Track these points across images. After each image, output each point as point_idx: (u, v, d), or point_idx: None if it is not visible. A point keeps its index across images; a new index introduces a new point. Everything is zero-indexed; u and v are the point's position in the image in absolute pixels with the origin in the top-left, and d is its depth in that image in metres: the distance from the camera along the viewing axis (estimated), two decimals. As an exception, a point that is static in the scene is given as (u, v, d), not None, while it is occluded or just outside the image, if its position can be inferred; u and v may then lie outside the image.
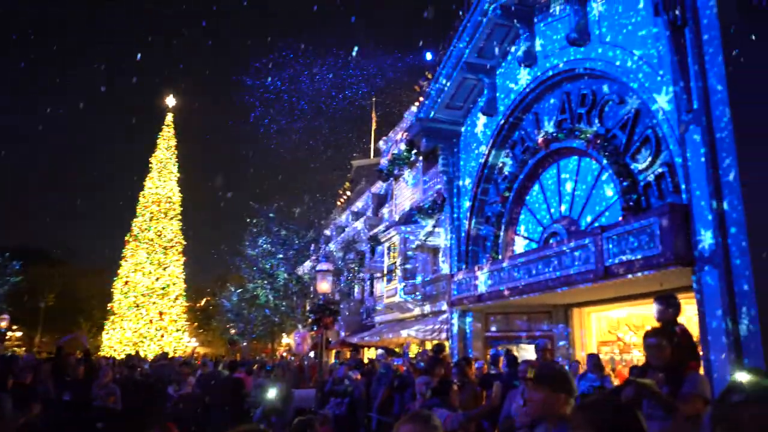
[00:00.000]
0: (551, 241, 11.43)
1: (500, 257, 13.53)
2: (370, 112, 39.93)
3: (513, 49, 13.85)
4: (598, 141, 10.69)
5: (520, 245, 13.64)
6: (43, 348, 45.77)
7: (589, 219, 11.29)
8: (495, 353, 11.36)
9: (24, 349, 41.36)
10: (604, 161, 10.51)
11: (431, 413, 2.62)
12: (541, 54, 12.77)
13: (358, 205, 29.28)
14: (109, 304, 38.96)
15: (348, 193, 34.87)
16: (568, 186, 12.15)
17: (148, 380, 12.84)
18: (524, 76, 13.29)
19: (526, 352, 13.50)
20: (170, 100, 43.69)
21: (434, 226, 18.37)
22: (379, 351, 13.92)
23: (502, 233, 13.98)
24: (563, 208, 12.21)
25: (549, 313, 13.06)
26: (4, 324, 32.44)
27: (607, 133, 10.69)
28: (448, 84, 15.14)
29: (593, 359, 9.38)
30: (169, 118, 43.13)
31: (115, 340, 36.66)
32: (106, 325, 38.39)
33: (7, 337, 36.02)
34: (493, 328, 14.11)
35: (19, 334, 45.28)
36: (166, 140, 42.36)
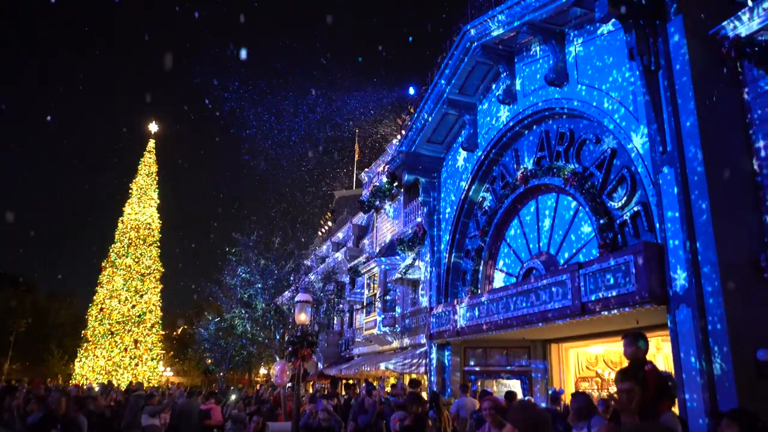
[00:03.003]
0: (530, 277, 11.53)
1: (479, 291, 13.60)
2: (353, 143, 40.28)
3: (494, 86, 14.17)
4: (576, 179, 10.90)
5: (499, 280, 13.73)
6: (12, 375, 44.44)
7: (566, 255, 11.43)
8: (474, 389, 11.33)
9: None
10: (582, 199, 10.70)
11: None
12: (520, 93, 13.08)
13: (339, 235, 29.30)
14: (82, 331, 38.06)
15: (329, 223, 34.89)
16: (547, 222, 12.32)
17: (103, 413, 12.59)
18: (504, 114, 13.57)
19: (505, 387, 13.48)
20: (153, 126, 43.63)
21: (414, 259, 18.41)
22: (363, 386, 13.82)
23: (481, 267, 14.07)
24: (541, 243, 12.36)
25: (528, 348, 13.11)
26: (-29, 350, 31.61)
27: (585, 171, 10.92)
28: (430, 119, 15.40)
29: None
30: (151, 143, 43.00)
31: (88, 369, 35.74)
32: (78, 352, 37.43)
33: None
34: (472, 362, 14.08)
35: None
36: (148, 166, 42.12)
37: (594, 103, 10.67)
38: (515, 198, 13.10)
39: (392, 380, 17.87)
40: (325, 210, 37.66)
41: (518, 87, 13.19)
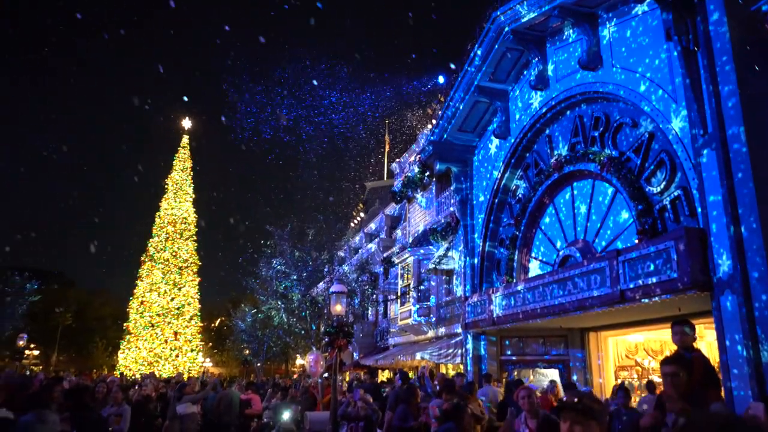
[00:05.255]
0: (566, 265, 11.37)
1: (515, 280, 13.48)
2: (383, 134, 40.24)
3: (525, 72, 13.95)
4: (612, 164, 10.68)
5: (534, 268, 13.59)
6: (60, 367, 46.08)
7: (604, 242, 11.24)
8: (510, 379, 11.27)
9: (41, 367, 41.66)
10: (619, 184, 10.49)
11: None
12: (553, 78, 12.85)
13: (372, 226, 29.35)
14: (124, 324, 39.15)
15: (362, 214, 34.99)
16: (582, 209, 12.12)
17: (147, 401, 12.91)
18: (537, 100, 13.36)
19: (542, 376, 13.38)
20: (186, 123, 44.33)
21: (448, 248, 18.35)
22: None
23: (516, 256, 13.95)
24: (578, 231, 12.18)
25: (565, 337, 12.96)
26: (22, 343, 32.80)
27: (621, 156, 10.69)
28: (461, 107, 15.26)
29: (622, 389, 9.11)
30: (185, 140, 43.71)
31: (131, 360, 36.78)
32: (121, 344, 38.54)
33: (24, 356, 36.33)
34: (509, 352, 14.00)
35: (36, 352, 45.63)
36: (182, 162, 42.87)
37: (630, 86, 10.41)
38: (550, 185, 12.92)
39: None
40: (357, 201, 37.79)
41: (550, 72, 12.96)
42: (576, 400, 2.62)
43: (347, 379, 20.85)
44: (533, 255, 13.82)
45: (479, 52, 13.98)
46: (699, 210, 8.42)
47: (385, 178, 37.82)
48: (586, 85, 11.69)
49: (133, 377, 27.33)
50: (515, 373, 13.72)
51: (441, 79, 25.28)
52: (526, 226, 13.70)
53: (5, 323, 32.58)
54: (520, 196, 14.13)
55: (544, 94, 13.12)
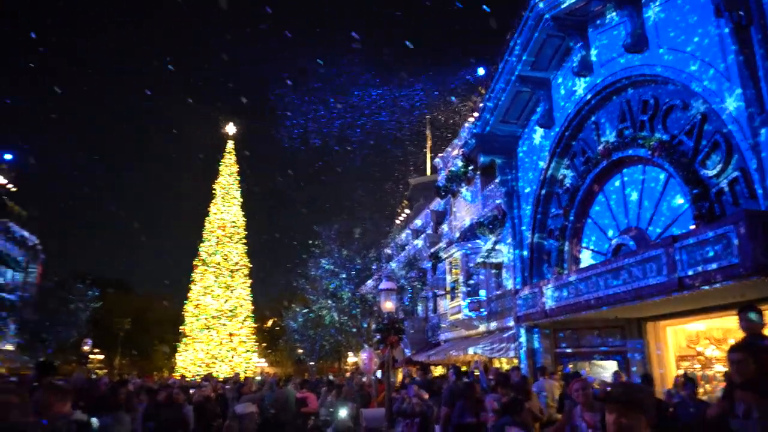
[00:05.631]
0: (620, 253, 11.12)
1: (566, 271, 13.27)
2: (424, 129, 40.12)
3: (567, 59, 13.68)
4: (664, 148, 10.38)
5: (586, 258, 13.34)
6: (123, 370, 47.89)
7: (658, 229, 10.94)
8: (567, 371, 11.11)
9: (105, 371, 43.38)
10: (671, 169, 10.18)
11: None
12: (596, 63, 12.57)
13: (417, 222, 29.32)
14: (180, 327, 40.31)
15: (407, 211, 35.01)
16: (634, 196, 11.82)
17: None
18: (581, 86, 13.09)
19: (600, 368, 13.13)
20: (230, 128, 45.18)
21: (496, 242, 18.18)
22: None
23: (566, 246, 13.73)
24: (630, 218, 11.89)
25: (621, 328, 12.66)
26: (87, 348, 34.24)
27: (673, 139, 10.37)
28: (503, 98, 15.09)
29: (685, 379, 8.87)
30: (230, 145, 44.58)
31: (189, 361, 37.87)
32: (179, 347, 39.73)
33: (89, 360, 37.91)
34: (563, 344, 13.79)
35: (100, 357, 47.54)
36: (228, 167, 43.74)
37: (678, 67, 10.09)
38: (598, 173, 12.64)
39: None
40: (401, 198, 37.83)
41: (594, 57, 12.67)
42: (618, 390, 2.53)
43: (400, 376, 20.95)
44: (584, 245, 13.56)
45: (519, 41, 13.79)
46: (759, 191, 8.10)
47: (428, 174, 37.70)
48: (632, 69, 11.39)
49: (192, 378, 28.16)
50: (570, 365, 13.50)
51: (481, 71, 25.02)
52: (576, 216, 13.46)
53: (71, 329, 34.08)
54: (567, 185, 13.88)
55: (588, 80, 12.84)
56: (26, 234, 39.18)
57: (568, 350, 13.72)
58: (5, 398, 3.26)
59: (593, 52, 12.68)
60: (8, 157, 38.95)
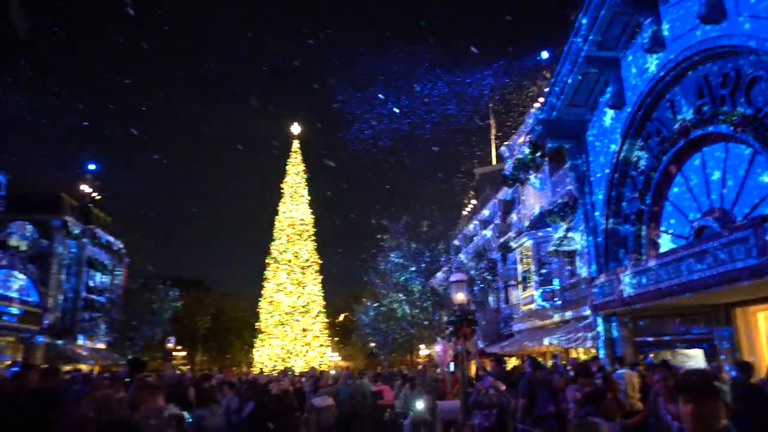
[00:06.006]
0: (702, 236, 10.59)
1: (644, 257, 12.76)
2: (488, 119, 39.52)
3: (637, 36, 13.10)
4: (747, 123, 9.78)
5: (665, 242, 12.78)
6: (204, 366, 50.02)
7: (745, 209, 10.33)
8: (649, 361, 10.71)
9: (188, 367, 45.44)
10: (757, 144, 9.59)
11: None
12: (669, 38, 11.97)
13: (485, 213, 28.95)
14: (256, 323, 41.63)
15: (473, 201, 34.64)
16: (716, 175, 11.22)
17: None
18: (653, 63, 12.52)
19: (684, 357, 12.58)
20: (295, 128, 46.07)
21: (568, 229, 17.70)
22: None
23: (643, 231, 13.21)
24: (712, 199, 11.29)
25: (706, 314, 12.05)
26: (170, 345, 36.02)
27: (758, 113, 9.75)
28: (569, 81, 14.64)
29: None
30: (296, 144, 45.48)
31: (265, 357, 39.07)
32: (255, 342, 41.05)
33: (173, 357, 39.83)
34: (644, 333, 13.28)
35: (183, 353, 49.84)
36: (295, 166, 44.67)
37: (762, 35, 9.46)
38: (675, 153, 12.08)
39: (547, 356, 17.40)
40: (467, 189, 37.46)
41: (666, 32, 12.07)
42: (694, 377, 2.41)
43: (473, 368, 20.83)
44: (662, 229, 12.99)
45: (584, 21, 13.33)
46: None
47: (494, 163, 37.14)
48: (709, 41, 10.78)
49: (270, 373, 29.05)
50: (652, 355, 13.00)
51: (545, 54, 24.34)
52: (653, 199, 12.91)
53: (155, 328, 35.92)
54: (642, 167, 13.32)
55: (660, 56, 12.26)
56: (111, 239, 41.49)
57: (649, 339, 13.21)
58: (108, 395, 3.47)
59: (665, 26, 12.08)
60: (92, 167, 41.35)
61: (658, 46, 12.12)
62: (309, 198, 43.95)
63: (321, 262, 42.72)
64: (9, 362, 22.85)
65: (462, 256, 23.56)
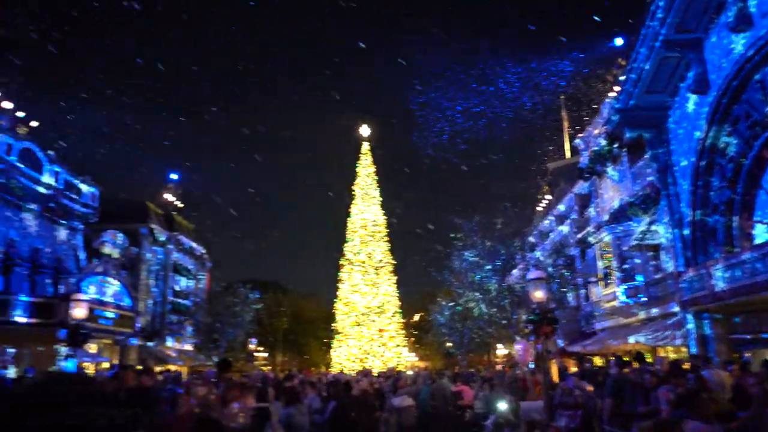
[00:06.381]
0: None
1: (737, 249, 12.03)
2: (559, 111, 38.47)
3: (721, 15, 12.36)
4: None
5: (760, 233, 12.00)
6: (284, 366, 51.41)
7: None
8: (746, 360, 10.07)
9: (269, 367, 46.85)
10: None
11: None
12: (757, 14, 11.24)
13: (560, 208, 28.14)
14: (332, 324, 42.35)
15: (548, 197, 33.78)
16: (817, 158, 10.42)
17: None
18: (739, 43, 11.79)
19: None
20: (364, 130, 46.52)
21: (650, 222, 16.93)
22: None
23: (735, 222, 12.47)
24: (813, 184, 10.50)
25: (811, 308, 11.23)
26: (252, 346, 37.27)
27: None
28: (646, 67, 14.02)
29: None
30: (365, 147, 45.90)
31: (343, 357, 39.68)
32: (333, 343, 41.76)
33: (255, 357, 41.18)
34: (740, 330, 12.50)
35: (264, 354, 51.42)
36: (365, 167, 45.11)
37: None
38: (769, 137, 11.31)
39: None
40: (540, 184, 36.57)
41: (753, 8, 11.34)
42: None
43: (554, 367, 20.32)
44: (756, 218, 12.20)
45: (661, 4, 12.75)
46: None
47: (568, 156, 36.08)
48: (805, 15, 10.03)
49: (348, 373, 29.48)
50: (749, 353, 12.21)
51: (619, 41, 23.37)
52: (744, 187, 12.17)
53: (238, 330, 37.22)
54: (731, 154, 12.56)
55: (747, 34, 11.52)
56: (194, 245, 43.37)
57: (746, 336, 12.42)
58: (207, 394, 3.63)
59: (751, 2, 11.35)
60: (174, 177, 43.46)
61: (744, 24, 11.41)
62: (381, 199, 44.30)
63: (395, 262, 42.96)
64: (108, 364, 24.39)
65: (538, 253, 23.01)
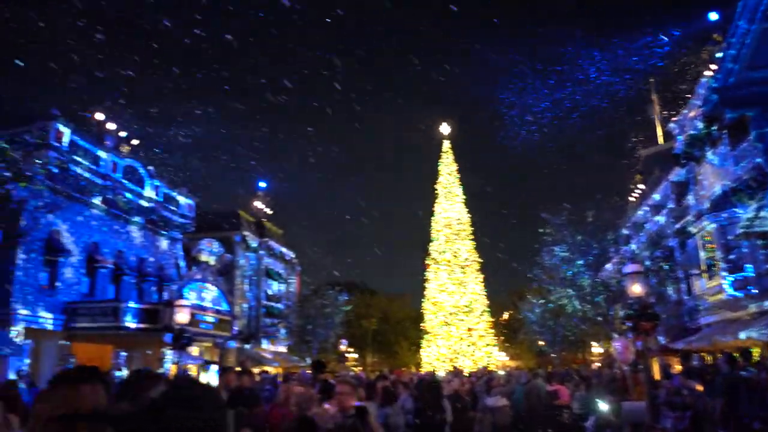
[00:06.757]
0: None
1: None
2: (648, 95, 36.50)
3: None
4: None
5: None
6: (374, 367, 52.09)
7: None
8: None
9: (360, 368, 47.60)
10: None
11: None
12: None
13: (655, 197, 26.70)
14: (421, 324, 42.38)
15: (640, 186, 32.15)
16: None
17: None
18: None
19: None
20: (444, 128, 46.24)
21: (759, 208, 15.70)
22: None
23: None
24: None
25: None
26: (343, 348, 38.00)
27: None
28: (747, 41, 12.96)
29: None
30: (446, 145, 45.61)
31: (433, 357, 39.61)
32: (422, 343, 41.79)
33: (347, 358, 41.97)
34: None
35: (355, 355, 52.31)
36: (447, 166, 44.83)
37: None
38: None
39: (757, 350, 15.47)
40: (632, 173, 34.84)
41: None
42: None
43: (655, 366, 19.29)
44: None
45: (763, -30, 11.75)
46: None
47: (661, 142, 34.17)
48: None
49: (438, 373, 29.40)
50: None
51: (713, 16, 21.85)
52: None
53: (328, 331, 38.13)
54: None
55: None
56: (284, 250, 44.85)
57: None
58: (310, 393, 3.72)
59: None
60: (263, 185, 45.21)
61: None
62: (464, 197, 43.88)
63: (481, 260, 42.40)
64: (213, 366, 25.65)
65: (633, 246, 21.95)
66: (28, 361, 19.75)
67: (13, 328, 19.37)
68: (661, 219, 24.53)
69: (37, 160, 18.90)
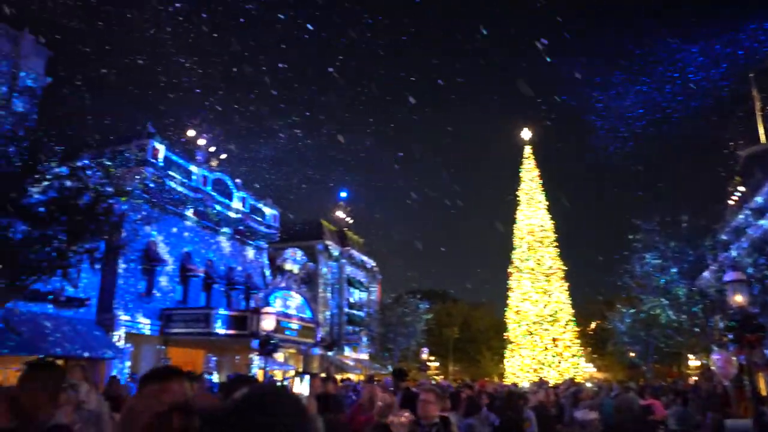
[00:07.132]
0: None
1: None
2: (749, 90, 34.10)
3: None
4: None
5: None
6: (456, 375, 51.55)
7: None
8: None
9: (442, 377, 47.27)
10: None
11: None
12: None
13: (758, 200, 24.84)
14: (504, 334, 41.49)
15: (740, 188, 30.05)
16: None
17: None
18: None
19: None
20: (525, 134, 45.27)
21: None
22: None
23: None
24: None
25: None
26: (425, 356, 37.89)
27: None
28: None
29: None
30: (528, 150, 44.61)
31: (517, 367, 38.65)
32: (505, 353, 40.89)
33: (428, 367, 41.80)
34: None
35: (436, 363, 52.04)
36: (529, 172, 43.79)
37: None
38: None
39: None
40: (731, 174, 32.62)
41: None
42: None
43: (762, 381, 17.90)
44: None
45: None
46: None
47: (762, 141, 31.83)
48: None
49: (522, 384, 28.66)
50: None
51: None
52: None
53: (410, 339, 38.18)
54: None
55: None
56: (365, 258, 45.42)
57: None
58: (392, 400, 3.73)
59: None
60: (344, 194, 46.13)
61: None
62: (547, 203, 42.71)
63: (565, 268, 41.02)
64: (293, 372, 26.33)
65: (733, 252, 20.49)
66: (129, 363, 21.08)
67: (115, 333, 20.75)
68: (764, 223, 22.78)
69: (136, 176, 20.25)
